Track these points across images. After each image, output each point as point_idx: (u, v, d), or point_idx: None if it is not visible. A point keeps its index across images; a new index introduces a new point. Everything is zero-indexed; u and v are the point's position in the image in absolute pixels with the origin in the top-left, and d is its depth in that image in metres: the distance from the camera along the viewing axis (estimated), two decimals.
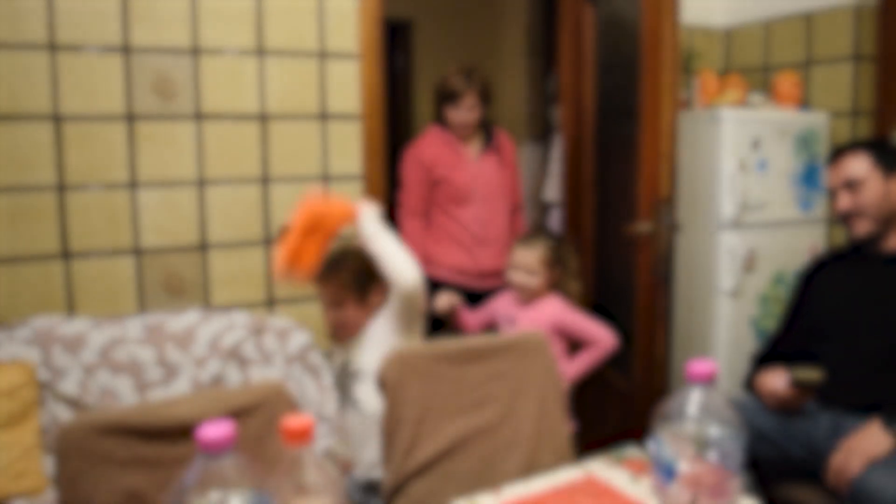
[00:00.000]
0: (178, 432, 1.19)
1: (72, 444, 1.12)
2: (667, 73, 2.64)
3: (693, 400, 1.09)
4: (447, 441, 1.75)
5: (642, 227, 2.73)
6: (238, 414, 1.23)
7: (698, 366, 1.08)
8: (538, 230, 2.80)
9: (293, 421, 0.84)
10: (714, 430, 1.07)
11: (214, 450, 0.74)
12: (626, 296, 3.04)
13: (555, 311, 2.52)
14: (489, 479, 1.75)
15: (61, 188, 2.47)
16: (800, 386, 2.03)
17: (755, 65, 3.64)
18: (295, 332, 2.63)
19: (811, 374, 2.01)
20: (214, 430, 0.75)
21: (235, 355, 2.51)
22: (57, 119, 2.45)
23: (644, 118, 2.76)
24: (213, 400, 1.23)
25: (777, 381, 2.09)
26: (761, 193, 3.12)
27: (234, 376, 2.48)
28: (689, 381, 1.10)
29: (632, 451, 1.68)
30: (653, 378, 2.84)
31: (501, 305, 2.67)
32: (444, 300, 2.67)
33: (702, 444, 1.07)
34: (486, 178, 3.02)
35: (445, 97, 2.97)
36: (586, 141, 3.29)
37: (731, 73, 3.55)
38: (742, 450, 1.09)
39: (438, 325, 2.82)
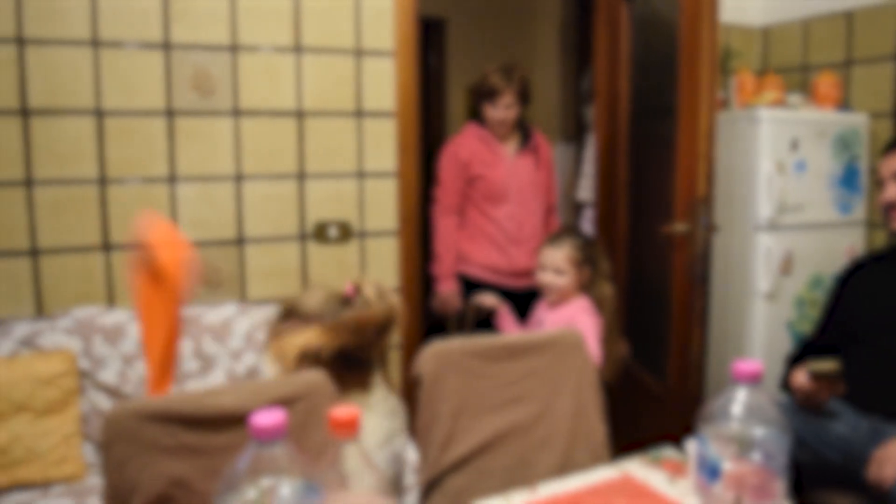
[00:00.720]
0: (221, 421, 1.20)
1: (118, 430, 1.14)
2: (705, 72, 2.61)
3: (738, 399, 1.08)
4: (483, 437, 1.74)
5: (679, 227, 2.71)
6: (280, 405, 1.24)
7: (744, 365, 1.07)
8: (566, 229, 2.77)
9: (340, 412, 0.85)
10: (759, 431, 1.06)
11: (266, 437, 0.75)
12: (661, 297, 3.02)
13: (574, 312, 2.50)
14: (524, 476, 1.75)
15: (102, 181, 2.51)
16: (817, 377, 2.01)
17: (793, 64, 3.59)
18: None
19: (827, 364, 1.99)
20: (267, 418, 0.76)
21: None
22: (99, 114, 2.49)
23: (681, 117, 2.73)
24: (255, 391, 1.25)
25: (800, 375, 2.08)
26: (799, 195, 3.08)
27: (268, 370, 2.50)
28: (734, 380, 1.09)
29: (669, 453, 1.67)
30: (687, 381, 2.81)
31: (537, 313, 2.65)
32: (490, 299, 2.67)
33: (746, 445, 1.06)
34: (522, 177, 3.02)
35: (484, 94, 2.96)
36: (621, 140, 3.27)
37: (769, 73, 3.50)
38: (786, 451, 1.08)
39: (482, 324, 2.81)
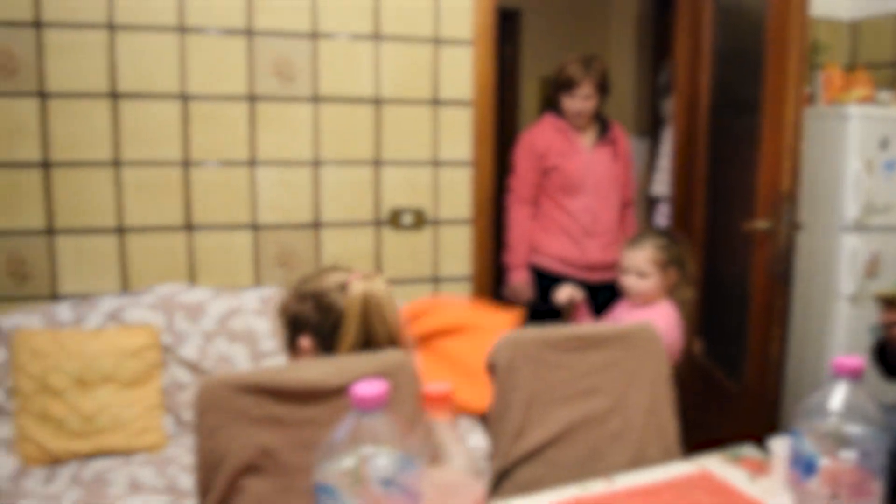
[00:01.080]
0: (308, 395, 1.23)
1: (211, 399, 1.18)
2: (792, 65, 2.53)
3: (836, 396, 1.05)
4: (555, 428, 1.73)
5: (760, 223, 2.64)
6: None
7: (845, 360, 1.03)
8: (648, 229, 2.67)
9: (434, 387, 0.85)
10: (856, 429, 1.03)
11: (367, 406, 0.76)
12: (739, 295, 2.95)
13: (656, 318, 2.27)
14: (595, 469, 1.73)
15: (186, 164, 2.58)
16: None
17: (884, 60, 3.45)
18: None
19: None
20: (368, 388, 0.77)
21: None
22: (184, 98, 2.56)
23: (766, 112, 2.65)
24: (341, 367, 1.27)
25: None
26: (888, 195, 2.96)
27: None
28: (834, 375, 1.06)
29: (749, 451, 1.63)
30: (765, 381, 2.73)
31: (616, 312, 2.59)
32: (566, 292, 2.55)
33: (843, 442, 1.03)
34: (599, 169, 2.98)
35: (562, 85, 2.94)
36: (700, 134, 3.20)
37: (858, 69, 3.38)
38: (885, 451, 1.04)
39: (554, 315, 2.79)
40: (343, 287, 1.50)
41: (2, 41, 2.38)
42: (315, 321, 1.48)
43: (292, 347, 1.53)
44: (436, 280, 2.88)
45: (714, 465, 1.56)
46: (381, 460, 0.76)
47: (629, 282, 2.41)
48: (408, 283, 2.85)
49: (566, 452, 1.75)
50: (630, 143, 3.21)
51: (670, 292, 2.41)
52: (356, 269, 1.56)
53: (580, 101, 2.91)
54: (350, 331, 1.46)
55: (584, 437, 1.77)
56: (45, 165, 2.46)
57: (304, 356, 1.49)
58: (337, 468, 0.76)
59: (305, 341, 1.48)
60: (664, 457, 1.80)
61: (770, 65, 2.65)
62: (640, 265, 2.37)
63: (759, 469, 1.53)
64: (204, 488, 1.20)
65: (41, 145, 2.45)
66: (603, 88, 2.96)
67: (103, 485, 2.10)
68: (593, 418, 1.79)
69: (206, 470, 1.19)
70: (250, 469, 1.19)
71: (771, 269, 2.65)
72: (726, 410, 2.99)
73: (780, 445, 1.36)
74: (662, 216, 4.00)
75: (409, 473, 0.76)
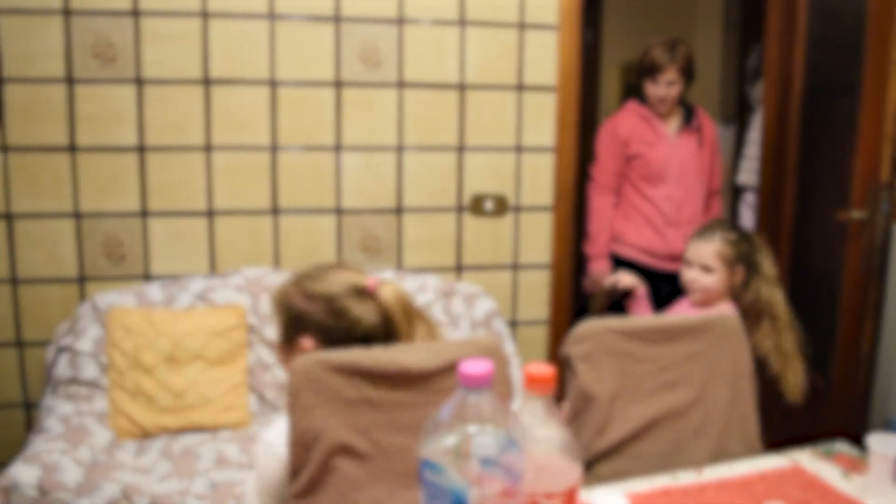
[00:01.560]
0: (401, 378, 1.24)
1: (306, 378, 1.20)
2: (895, 48, 2.42)
3: None
4: (638, 422, 1.70)
5: (856, 213, 2.53)
6: (457, 367, 1.26)
7: None
8: (719, 221, 2.46)
9: (537, 368, 0.86)
10: None
11: (474, 385, 0.77)
12: (828, 287, 2.84)
13: None
14: (677, 463, 1.69)
15: (274, 149, 2.64)
16: None
17: None
18: (481, 298, 2.68)
19: None
20: (476, 367, 0.78)
21: None
22: (273, 84, 2.61)
23: (865, 97, 2.54)
24: (434, 351, 1.28)
25: None
26: None
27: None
28: None
29: (842, 447, 1.58)
30: (854, 377, 2.64)
31: (676, 307, 2.45)
32: (628, 279, 2.48)
33: None
34: (683, 157, 2.91)
35: (645, 70, 2.87)
36: (791, 121, 3.09)
37: None
38: None
39: (613, 306, 2.76)
40: (359, 292, 1.40)
41: (102, 30, 2.48)
42: (324, 324, 1.38)
43: (289, 343, 1.43)
44: (515, 267, 2.88)
45: (805, 460, 1.52)
46: (485, 439, 0.76)
47: (691, 276, 2.24)
48: (488, 270, 2.85)
49: (648, 447, 1.72)
50: (716, 130, 3.12)
51: (734, 294, 2.22)
52: (360, 268, 1.48)
53: (664, 87, 2.85)
54: (402, 332, 1.40)
55: (666, 432, 1.74)
56: (141, 150, 2.56)
57: (299, 356, 1.34)
58: (441, 446, 0.77)
59: (308, 342, 1.39)
60: (745, 452, 1.75)
61: (871, 47, 2.54)
62: (706, 259, 2.20)
63: (854, 466, 1.48)
64: (296, 467, 1.22)
65: (137, 130, 2.55)
66: (688, 74, 2.89)
67: (192, 459, 2.19)
68: (675, 412, 1.75)
69: (299, 448, 1.21)
70: (343, 450, 1.21)
71: (864, 262, 2.55)
72: (810, 405, 2.90)
73: (881, 443, 1.31)
74: (748, 206, 3.89)
75: (511, 453, 0.77)
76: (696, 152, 2.94)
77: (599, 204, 2.96)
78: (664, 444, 1.70)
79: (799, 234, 3.13)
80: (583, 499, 1.06)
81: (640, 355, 1.68)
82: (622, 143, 2.90)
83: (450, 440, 0.77)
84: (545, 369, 0.85)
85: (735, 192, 4.17)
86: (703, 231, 2.28)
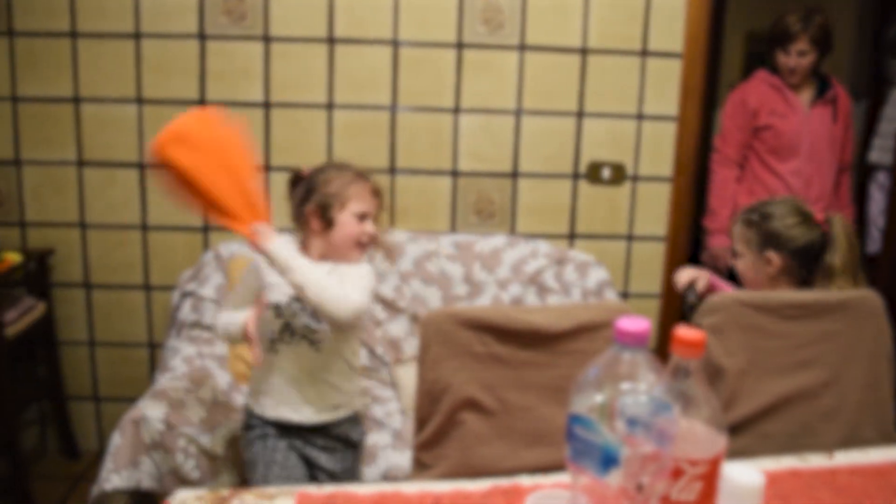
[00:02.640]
0: (530, 337, 1.24)
1: (435, 331, 1.22)
2: None
3: None
4: (767, 400, 1.65)
5: None
6: (586, 329, 1.25)
7: None
8: (777, 198, 1.93)
9: (686, 331, 0.83)
10: None
11: (631, 342, 0.75)
12: None
13: None
14: (806, 445, 1.63)
15: (393, 109, 2.66)
16: None
17: None
18: (594, 266, 2.64)
19: None
20: (633, 323, 0.76)
21: (536, 282, 2.58)
22: (395, 44, 2.62)
23: None
24: (563, 313, 1.27)
25: None
26: None
27: (532, 302, 2.55)
28: None
29: None
30: None
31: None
32: (687, 275, 1.98)
33: None
34: (816, 130, 2.76)
35: (776, 39, 2.73)
36: None
37: None
38: None
39: None
40: None
41: None
42: None
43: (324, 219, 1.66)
44: (630, 238, 2.82)
45: None
46: (635, 399, 0.75)
47: (738, 261, 1.91)
48: (601, 239, 2.80)
49: (776, 426, 1.67)
50: (851, 103, 2.95)
51: (779, 283, 1.86)
52: None
53: (794, 57, 2.70)
54: None
55: (795, 412, 1.68)
56: (266, 106, 2.62)
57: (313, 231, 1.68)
58: (589, 402, 0.76)
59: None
60: (880, 439, 1.68)
61: None
62: (735, 241, 1.90)
63: None
64: (422, 418, 1.25)
65: (263, 87, 2.61)
66: (822, 45, 2.73)
67: None
68: (807, 392, 1.69)
69: (427, 400, 1.23)
70: (470, 404, 1.22)
71: None
72: None
73: None
74: (879, 187, 3.67)
75: (662, 416, 0.75)
76: (829, 126, 2.79)
77: (723, 177, 2.84)
78: (792, 424, 1.65)
79: None
80: None
81: (773, 331, 1.62)
82: (751, 114, 2.78)
83: (598, 397, 0.75)
84: (695, 332, 0.82)
85: (865, 172, 3.94)
86: (750, 207, 1.92)
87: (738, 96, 2.83)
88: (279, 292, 1.66)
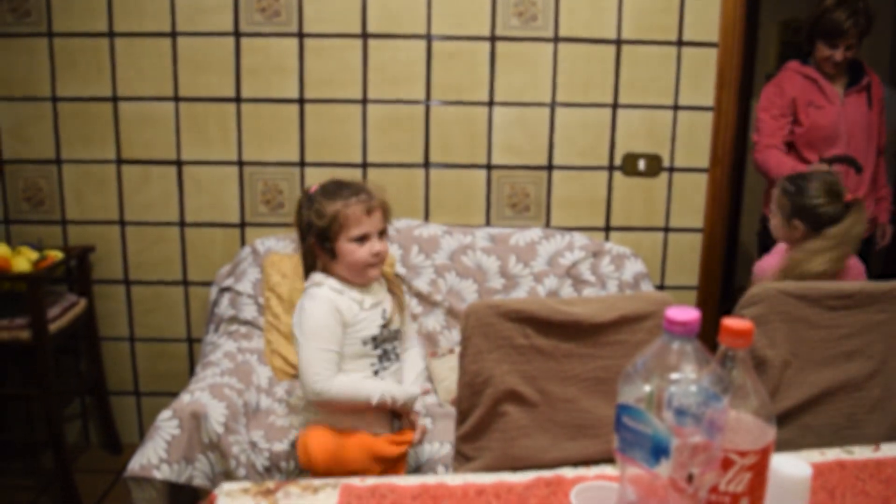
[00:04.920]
0: (572, 329, 1.23)
1: (477, 323, 1.22)
2: None
3: None
4: (811, 392, 1.62)
5: None
6: (628, 320, 1.24)
7: None
8: (818, 170, 2.15)
9: (733, 321, 0.82)
10: None
11: (681, 331, 0.75)
12: None
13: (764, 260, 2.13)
14: (850, 437, 1.61)
15: (427, 103, 2.66)
16: None
17: None
18: (630, 259, 2.63)
19: None
20: (683, 313, 0.75)
21: (572, 275, 2.57)
22: (429, 38, 2.62)
23: None
24: (606, 305, 1.26)
25: None
26: None
27: (568, 295, 2.54)
28: None
29: None
30: None
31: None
32: None
33: None
34: (852, 119, 2.68)
35: (824, 33, 2.62)
36: None
37: None
38: None
39: None
40: None
41: None
42: None
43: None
44: (666, 230, 2.79)
45: None
46: (684, 389, 0.74)
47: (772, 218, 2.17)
48: (637, 231, 2.78)
49: (820, 418, 1.65)
50: (884, 88, 2.86)
51: (800, 245, 2.03)
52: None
53: (841, 52, 2.61)
54: None
55: (840, 404, 1.65)
56: (301, 102, 2.64)
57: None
58: (637, 392, 0.76)
59: None
60: None
61: None
62: (773, 201, 2.13)
63: None
64: (464, 410, 1.25)
65: (298, 83, 2.63)
66: (866, 33, 2.65)
67: None
68: (852, 384, 1.66)
69: (469, 392, 1.23)
70: (511, 396, 1.22)
71: None
72: None
73: None
74: None
75: (711, 407, 0.74)
76: (865, 113, 2.71)
77: (777, 159, 2.69)
78: (837, 416, 1.62)
79: None
80: None
81: (817, 321, 1.59)
82: (788, 107, 2.70)
83: (646, 387, 0.75)
84: (743, 322, 0.82)
85: None
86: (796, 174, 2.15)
87: (775, 89, 2.74)
88: (371, 325, 1.72)
